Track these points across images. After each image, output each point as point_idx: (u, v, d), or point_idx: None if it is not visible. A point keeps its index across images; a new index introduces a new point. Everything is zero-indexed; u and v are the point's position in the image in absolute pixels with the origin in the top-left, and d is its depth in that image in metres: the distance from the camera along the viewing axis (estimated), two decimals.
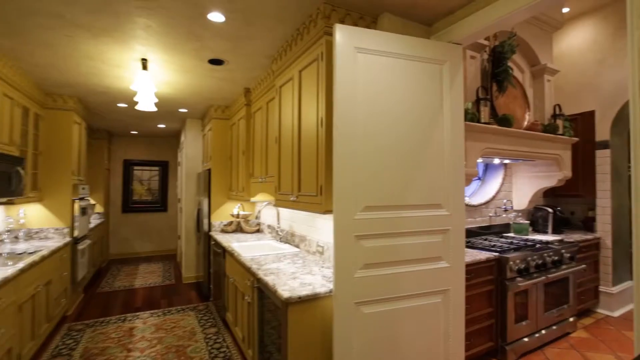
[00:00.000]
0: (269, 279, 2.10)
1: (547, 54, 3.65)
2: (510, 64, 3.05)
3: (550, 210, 3.85)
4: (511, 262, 2.70)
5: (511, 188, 3.96)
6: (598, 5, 3.89)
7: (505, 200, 3.81)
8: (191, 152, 5.32)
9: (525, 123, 3.32)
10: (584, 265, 3.31)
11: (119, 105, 4.30)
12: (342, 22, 2.04)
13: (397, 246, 1.85)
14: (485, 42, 2.97)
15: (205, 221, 4.44)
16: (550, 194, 4.22)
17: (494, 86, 3.09)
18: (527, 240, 3.31)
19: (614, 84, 3.75)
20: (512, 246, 2.98)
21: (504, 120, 2.95)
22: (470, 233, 3.45)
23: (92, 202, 5.68)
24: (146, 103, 3.08)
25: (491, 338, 2.73)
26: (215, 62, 2.93)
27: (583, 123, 3.96)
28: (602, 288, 3.80)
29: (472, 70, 2.93)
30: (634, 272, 1.30)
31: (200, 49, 2.66)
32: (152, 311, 3.94)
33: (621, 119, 3.85)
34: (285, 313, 1.82)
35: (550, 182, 3.62)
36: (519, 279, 2.75)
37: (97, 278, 5.37)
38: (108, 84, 3.43)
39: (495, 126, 2.84)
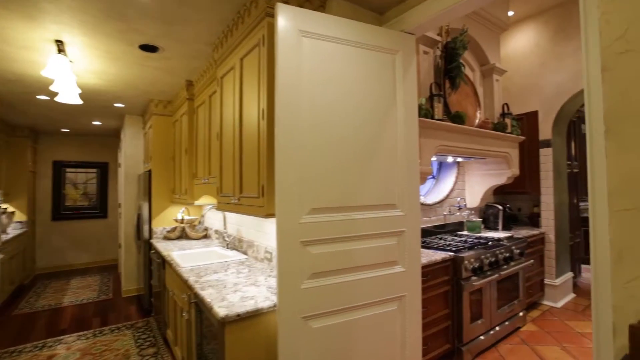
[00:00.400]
0: (206, 294, 1.83)
1: (495, 53, 3.72)
2: (462, 61, 3.03)
3: (500, 207, 3.92)
4: (466, 262, 2.65)
5: (464, 186, 3.99)
6: (539, 10, 4.04)
7: (459, 199, 3.82)
8: (131, 152, 4.82)
9: (477, 121, 3.33)
10: (532, 260, 3.39)
11: (39, 97, 3.75)
12: (286, 2, 1.83)
13: (349, 252, 1.68)
14: (438, 38, 2.92)
15: (146, 227, 4.01)
16: (499, 192, 4.33)
17: (447, 83, 3.05)
18: (480, 238, 3.31)
19: (554, 85, 3.91)
20: (466, 245, 2.94)
21: (457, 118, 2.92)
22: (425, 232, 3.40)
23: (10, 209, 4.96)
24: (68, 94, 2.66)
25: (448, 340, 2.66)
26: (148, 48, 2.59)
27: (528, 123, 4.09)
28: (547, 281, 3.94)
29: (425, 66, 2.86)
30: (592, 268, 1.23)
31: (128, 31, 2.32)
32: (80, 333, 3.45)
33: (561, 118, 4.03)
34: (222, 333, 1.57)
35: (500, 179, 3.68)
36: (473, 278, 2.72)
37: (17, 297, 4.68)
38: (17, 70, 2.94)
39: (449, 123, 2.79)
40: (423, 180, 2.71)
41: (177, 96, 3.87)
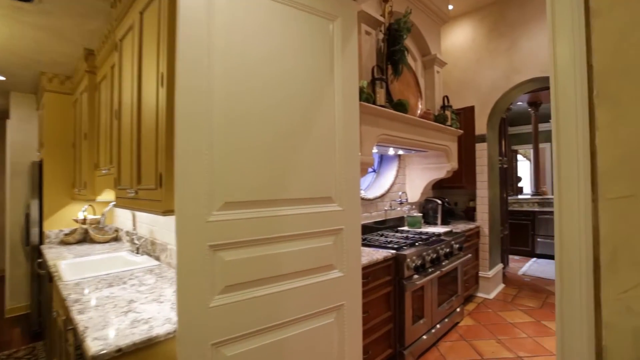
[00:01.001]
0: (83, 319, 1.36)
1: (436, 45, 3.64)
2: (405, 46, 2.85)
3: (439, 202, 3.88)
4: (408, 260, 2.48)
5: (405, 180, 3.88)
6: (477, 7, 4.07)
7: (400, 193, 3.69)
8: (20, 138, 3.95)
9: (419, 112, 3.20)
10: (469, 255, 3.37)
11: None
12: None
13: (274, 256, 1.34)
14: (381, 19, 2.70)
15: (36, 230, 3.26)
16: (437, 186, 4.31)
17: (390, 69, 2.85)
18: (421, 233, 3.20)
19: (490, 81, 3.97)
20: (407, 241, 2.78)
21: (400, 106, 2.73)
22: (365, 229, 3.20)
23: None
24: None
25: (390, 344, 2.46)
26: None
27: (465, 117, 4.11)
28: (481, 273, 4.00)
29: (367, 48, 2.62)
30: (557, 276, 1.04)
31: None
32: None
33: (495, 114, 4.11)
34: None
35: (440, 173, 3.62)
36: (416, 276, 2.55)
37: None
38: None
39: (391, 110, 2.58)
40: (364, 171, 2.47)
41: (76, 70, 3.19)
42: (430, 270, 2.71)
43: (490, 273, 3.99)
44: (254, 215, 1.28)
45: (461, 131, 3.65)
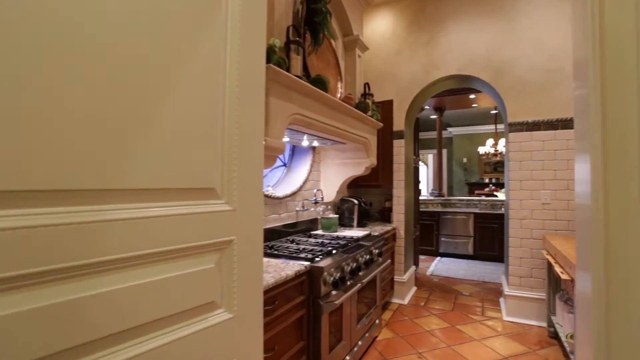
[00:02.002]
0: None
1: (358, 26, 3.26)
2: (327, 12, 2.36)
3: (355, 201, 3.52)
4: (326, 273, 1.97)
5: (320, 177, 3.41)
6: None
7: (315, 191, 3.20)
8: None
9: (339, 95, 2.75)
10: (389, 261, 3.05)
11: None
12: None
13: (90, 303, 0.65)
14: None
15: None
16: (353, 185, 3.97)
17: (308, 38, 2.32)
18: (338, 238, 2.75)
19: (408, 75, 3.78)
20: (324, 249, 2.29)
21: (319, 82, 2.22)
22: (273, 233, 2.61)
23: None
24: None
25: None
26: None
27: (384, 111, 3.85)
28: (396, 278, 3.77)
29: (282, 3, 2.04)
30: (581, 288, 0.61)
31: None
32: None
33: (412, 110, 3.94)
34: None
35: (358, 170, 3.24)
36: (334, 293, 2.06)
37: None
38: None
39: (310, 85, 2.05)
40: (271, 160, 1.88)
41: None
42: (350, 283, 2.26)
43: (405, 277, 3.79)
44: (53, 221, 0.58)
45: (381, 124, 3.34)
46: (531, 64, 3.21)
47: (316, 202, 3.09)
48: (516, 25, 3.27)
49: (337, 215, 3.10)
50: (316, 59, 2.55)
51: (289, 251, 2.21)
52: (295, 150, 3.33)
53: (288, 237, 2.73)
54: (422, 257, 5.97)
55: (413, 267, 4.21)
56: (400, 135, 3.79)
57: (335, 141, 2.90)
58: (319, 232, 3.06)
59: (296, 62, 2.01)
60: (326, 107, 2.33)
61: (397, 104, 3.82)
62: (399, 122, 3.80)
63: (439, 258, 5.89)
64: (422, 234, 5.98)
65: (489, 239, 5.65)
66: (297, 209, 2.97)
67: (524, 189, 3.20)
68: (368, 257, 2.60)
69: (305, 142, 2.96)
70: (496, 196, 6.75)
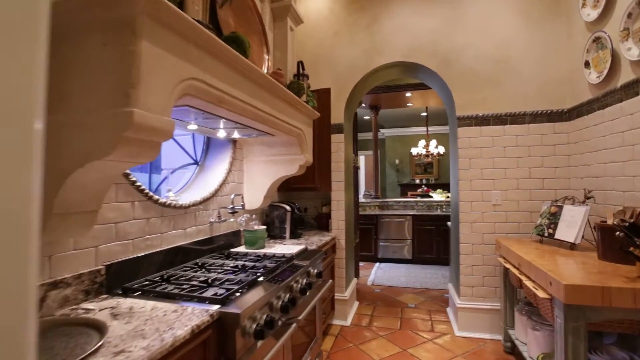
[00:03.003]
0: None
1: None
2: None
3: (288, 207, 2.90)
4: (245, 321, 1.30)
5: (242, 178, 2.71)
6: None
7: (232, 196, 2.50)
8: None
9: (266, 69, 2.11)
10: (330, 281, 2.48)
11: None
12: None
13: None
14: None
15: None
16: (283, 188, 3.35)
17: None
18: (265, 258, 2.09)
19: (348, 60, 3.28)
20: (245, 277, 1.62)
21: (235, 42, 1.55)
22: (175, 255, 1.86)
23: None
24: None
25: None
26: None
27: (320, 101, 3.30)
28: (337, 295, 3.23)
29: None
30: None
31: None
32: None
33: (352, 101, 3.46)
34: None
35: (291, 169, 2.62)
36: (259, 345, 1.40)
37: None
38: None
39: (221, 42, 1.37)
40: (150, 149, 1.16)
41: None
42: (282, 324, 1.62)
43: (347, 293, 3.27)
44: None
45: (318, 114, 2.78)
46: (479, 54, 2.93)
47: (234, 212, 2.38)
48: (463, 12, 2.97)
49: (264, 227, 2.43)
50: (233, 17, 1.88)
51: (191, 286, 1.49)
52: (210, 145, 2.59)
53: (198, 260, 2.00)
54: (361, 263, 5.57)
55: (354, 280, 3.72)
56: (339, 129, 3.28)
57: (262, 132, 2.25)
58: (241, 249, 2.36)
59: (197, 3, 1.32)
60: (246, 79, 1.67)
61: (336, 94, 3.30)
62: (337, 113, 3.28)
63: (378, 264, 5.55)
64: (361, 239, 5.58)
65: (427, 242, 5.46)
66: (212, 219, 2.24)
67: (474, 189, 2.90)
68: (305, 281, 2.00)
69: (221, 133, 2.26)
70: (431, 197, 6.70)
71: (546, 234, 2.39)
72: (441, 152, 8.28)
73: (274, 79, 1.97)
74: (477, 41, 2.93)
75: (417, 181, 10.41)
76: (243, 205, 2.49)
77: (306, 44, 3.38)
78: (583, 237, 2.13)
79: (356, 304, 3.69)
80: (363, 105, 6.56)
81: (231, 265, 1.89)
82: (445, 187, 9.84)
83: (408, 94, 5.90)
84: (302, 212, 3.57)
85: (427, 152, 8.09)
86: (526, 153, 2.81)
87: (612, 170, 2.16)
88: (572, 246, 2.20)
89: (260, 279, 1.65)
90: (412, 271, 5.07)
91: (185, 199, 2.08)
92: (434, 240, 5.42)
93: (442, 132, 10.03)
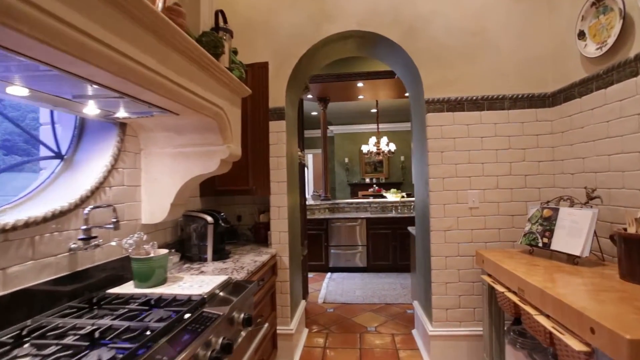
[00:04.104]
0: None
1: None
2: None
3: (209, 219, 2.11)
4: None
5: (138, 179, 1.87)
6: None
7: (108, 207, 1.64)
8: None
9: (160, 3, 1.31)
10: (266, 325, 1.76)
11: None
12: None
13: None
14: None
15: None
16: (207, 191, 2.56)
17: None
18: (158, 306, 1.29)
19: (290, 27, 2.57)
20: (107, 356, 0.83)
21: None
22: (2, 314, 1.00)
23: None
24: None
25: None
26: None
27: (255, 79, 2.55)
28: (280, 329, 2.50)
29: None
30: None
31: None
32: None
33: (297, 79, 2.77)
34: None
35: (209, 165, 1.85)
36: None
37: None
38: None
39: None
40: None
41: None
42: None
43: (293, 325, 2.56)
44: None
45: (249, 90, 2.03)
46: (450, 24, 2.40)
47: (115, 226, 1.53)
48: None
49: (164, 251, 1.62)
50: None
51: None
52: (84, 130, 1.72)
53: (28, 323, 1.15)
54: (310, 274, 4.90)
55: (302, 303, 3.03)
56: (279, 114, 2.56)
57: (160, 109, 1.46)
58: (129, 288, 1.54)
59: None
60: (111, 7, 0.89)
61: (275, 69, 2.57)
62: (277, 94, 2.56)
63: (329, 275, 4.92)
64: (309, 248, 4.91)
65: (382, 247, 4.96)
66: (72, 245, 1.40)
67: (448, 189, 2.36)
68: (225, 339, 1.25)
69: (92, 109, 1.42)
70: (384, 197, 6.25)
71: (540, 244, 1.90)
72: (392, 150, 7.94)
73: (168, 17, 1.19)
74: (447, 9, 2.40)
75: (367, 180, 10.05)
76: (139, 219, 1.66)
77: (237, 6, 2.60)
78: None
79: (305, 332, 2.99)
80: (310, 96, 5.91)
81: (89, 328, 1.07)
82: (396, 186, 9.59)
83: (360, 84, 5.36)
84: (235, 222, 2.80)
85: (378, 149, 7.69)
86: (506, 144, 2.34)
87: (621, 163, 1.71)
88: (576, 260, 1.73)
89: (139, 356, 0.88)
90: (368, 281, 4.51)
91: (30, 209, 1.23)
92: (390, 245, 4.93)
93: (393, 130, 9.77)
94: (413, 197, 6.17)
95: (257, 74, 2.55)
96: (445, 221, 2.34)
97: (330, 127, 9.99)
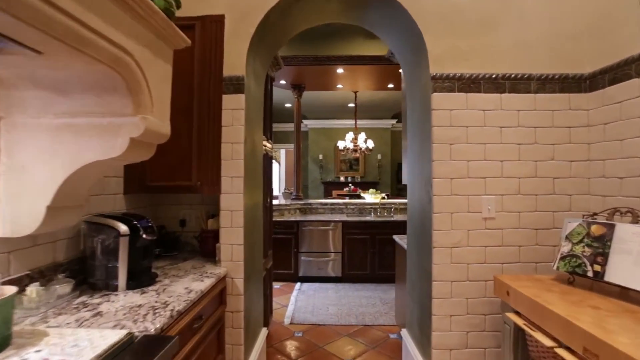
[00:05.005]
0: None
1: None
2: None
3: (123, 228, 1.43)
4: None
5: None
6: None
7: None
8: None
9: None
10: None
11: None
12: None
13: None
14: None
15: None
16: (134, 187, 1.87)
17: None
18: None
19: None
20: None
21: None
22: None
23: None
24: None
25: None
26: None
27: (204, 38, 1.88)
28: None
29: None
30: None
31: None
32: None
33: (264, 40, 2.11)
34: None
35: (112, 146, 1.16)
36: None
37: None
38: None
39: None
40: None
41: None
42: None
43: None
44: None
45: (185, 38, 1.36)
46: None
47: None
48: None
49: (12, 289, 0.93)
50: None
51: None
52: None
53: None
54: (276, 285, 4.26)
55: (263, 332, 2.39)
56: (237, 86, 1.90)
57: (4, 38, 0.78)
58: None
59: None
60: None
61: (233, 25, 1.91)
62: (236, 60, 1.90)
63: (299, 285, 4.30)
64: (277, 254, 4.27)
65: (360, 254, 4.40)
66: None
67: (457, 193, 1.80)
68: None
69: None
70: (362, 197, 5.70)
71: (590, 273, 1.38)
72: (370, 147, 7.43)
73: None
74: None
75: (342, 179, 9.52)
76: None
77: None
78: None
79: None
80: (283, 82, 5.25)
81: None
82: (373, 186, 9.11)
83: (339, 70, 4.76)
84: (178, 228, 2.14)
85: (355, 145, 7.15)
86: (531, 138, 1.81)
87: None
88: None
89: None
90: (343, 294, 3.94)
91: None
92: (367, 252, 4.38)
93: (370, 126, 9.28)
94: (393, 198, 5.69)
95: (208, 31, 1.88)
96: (453, 235, 1.79)
97: (305, 122, 9.36)
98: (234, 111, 1.87)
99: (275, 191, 10.03)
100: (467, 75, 1.82)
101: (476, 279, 1.80)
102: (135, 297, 1.34)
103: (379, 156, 9.45)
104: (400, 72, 4.92)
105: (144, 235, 1.48)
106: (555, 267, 1.51)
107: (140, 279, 1.49)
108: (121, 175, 1.86)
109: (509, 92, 1.82)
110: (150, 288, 1.46)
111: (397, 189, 9.63)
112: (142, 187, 1.87)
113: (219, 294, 1.73)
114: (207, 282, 1.56)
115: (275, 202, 5.09)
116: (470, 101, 1.82)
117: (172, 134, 1.67)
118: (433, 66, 1.84)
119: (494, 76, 1.82)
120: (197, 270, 1.76)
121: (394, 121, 9.44)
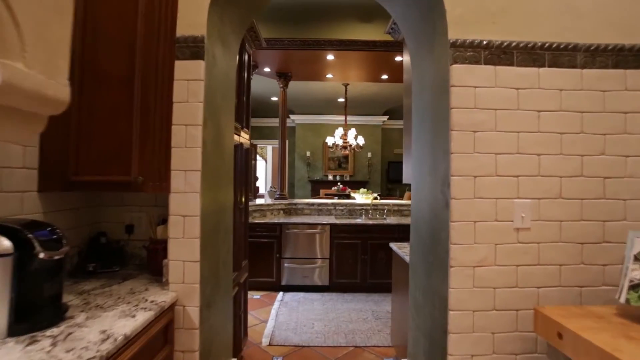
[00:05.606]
0: None
1: None
2: None
3: (6, 244, 0.95)
4: None
5: None
6: None
7: None
8: None
9: None
10: None
11: None
12: None
13: None
14: None
15: None
16: (53, 183, 1.38)
17: None
18: None
19: None
20: None
21: None
22: None
23: None
24: None
25: None
26: None
27: None
28: None
29: None
30: None
31: None
32: None
33: None
34: None
35: None
36: None
37: None
38: None
39: None
40: None
41: None
42: None
43: None
44: None
45: None
46: None
47: None
48: None
49: None
50: None
51: None
52: None
53: None
54: (256, 295, 3.80)
55: None
56: (195, 51, 1.42)
57: None
58: None
59: None
60: None
61: None
62: (193, 15, 1.43)
63: (282, 295, 3.85)
64: (257, 260, 3.81)
65: (349, 261, 3.97)
66: None
67: (481, 197, 1.38)
68: None
69: None
70: (352, 197, 5.28)
71: None
72: (360, 144, 7.02)
73: None
74: None
75: (330, 177, 9.09)
76: None
77: None
78: None
79: None
80: (267, 70, 4.77)
81: None
82: (362, 185, 8.71)
83: (330, 57, 4.31)
84: (124, 236, 1.66)
85: (344, 142, 6.72)
86: (576, 126, 1.41)
87: None
88: None
89: None
90: (330, 307, 3.50)
91: None
92: (358, 259, 3.96)
93: (360, 123, 8.87)
94: (385, 199, 5.28)
95: None
96: (477, 251, 1.37)
97: (293, 117, 8.89)
98: (190, 82, 1.41)
99: (262, 189, 9.54)
100: (497, 42, 1.40)
101: (505, 307, 1.38)
102: (12, 355, 0.87)
103: (369, 154, 9.06)
104: (395, 61, 4.53)
105: (41, 255, 1.01)
106: (622, 300, 1.10)
107: (35, 318, 1.01)
108: (33, 166, 1.37)
109: (549, 67, 1.41)
110: (47, 332, 0.99)
111: (388, 189, 9.26)
112: (63, 183, 1.39)
113: (162, 330, 1.27)
114: (140, 319, 1.10)
115: (260, 201, 4.63)
116: (500, 76, 1.40)
117: (106, 112, 1.22)
118: (453, 30, 1.41)
119: (530, 45, 1.40)
120: (134, 296, 1.30)
121: (385, 118, 9.06)
